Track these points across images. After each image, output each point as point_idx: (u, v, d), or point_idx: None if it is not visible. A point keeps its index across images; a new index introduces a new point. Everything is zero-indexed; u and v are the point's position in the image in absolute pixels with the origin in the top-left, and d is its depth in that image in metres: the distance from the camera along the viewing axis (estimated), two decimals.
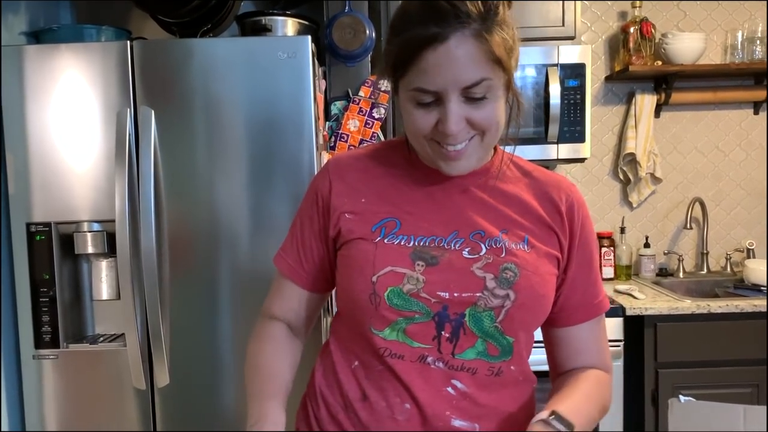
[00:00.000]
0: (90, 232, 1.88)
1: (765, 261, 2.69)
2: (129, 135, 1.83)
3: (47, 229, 1.86)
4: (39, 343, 1.88)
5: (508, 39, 0.91)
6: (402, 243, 0.97)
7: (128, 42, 1.85)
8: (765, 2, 2.83)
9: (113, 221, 1.81)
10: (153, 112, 1.83)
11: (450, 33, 0.86)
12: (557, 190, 1.05)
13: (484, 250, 0.97)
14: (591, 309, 1.06)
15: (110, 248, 1.89)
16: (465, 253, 0.97)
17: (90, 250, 1.89)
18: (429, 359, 0.97)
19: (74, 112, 1.86)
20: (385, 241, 0.97)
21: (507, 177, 1.05)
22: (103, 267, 1.94)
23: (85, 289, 1.99)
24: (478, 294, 0.95)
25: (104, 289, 1.95)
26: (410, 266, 0.95)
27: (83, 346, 1.90)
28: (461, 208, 1.01)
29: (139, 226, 1.83)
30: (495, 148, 1.06)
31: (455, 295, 0.95)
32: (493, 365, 0.99)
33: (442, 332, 0.96)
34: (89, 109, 1.86)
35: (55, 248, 1.87)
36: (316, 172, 1.69)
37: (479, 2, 0.88)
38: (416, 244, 0.97)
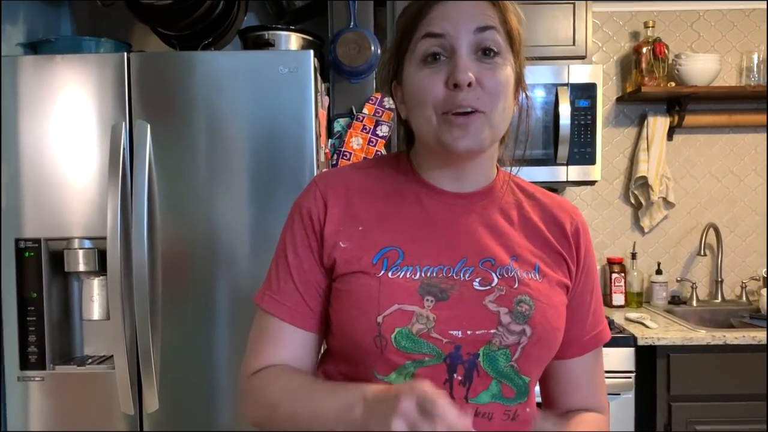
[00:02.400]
0: (81, 249, 1.83)
1: None
2: (124, 149, 1.77)
3: (37, 245, 1.81)
4: (25, 364, 1.81)
5: (520, 21, 0.90)
6: (408, 276, 0.87)
7: (125, 54, 1.80)
8: None
9: (105, 238, 1.75)
10: (149, 126, 1.78)
11: None
12: (562, 213, 0.99)
13: (495, 281, 0.89)
14: (587, 342, 0.99)
15: (102, 266, 1.83)
16: (476, 285, 0.88)
17: (81, 267, 1.84)
18: None
19: (69, 124, 1.81)
20: (389, 274, 0.87)
21: (511, 198, 0.98)
22: (95, 285, 1.88)
23: (74, 309, 1.93)
24: (492, 331, 0.86)
25: (95, 309, 1.88)
26: (419, 303, 0.85)
27: (70, 368, 1.84)
28: (468, 231, 0.92)
29: (131, 244, 1.76)
30: (497, 168, 0.99)
31: (468, 333, 0.86)
32: (509, 408, 0.90)
33: (455, 375, 0.86)
34: (84, 122, 1.81)
35: (44, 265, 1.81)
36: None
37: None
38: (423, 275, 0.87)
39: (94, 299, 1.88)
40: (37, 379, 1.82)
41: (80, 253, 1.83)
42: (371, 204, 0.93)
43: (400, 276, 0.87)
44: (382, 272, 0.87)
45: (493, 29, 0.87)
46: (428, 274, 0.88)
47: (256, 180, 1.82)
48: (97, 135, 1.81)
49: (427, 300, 0.86)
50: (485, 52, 0.87)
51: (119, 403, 1.78)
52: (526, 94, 0.95)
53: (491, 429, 0.88)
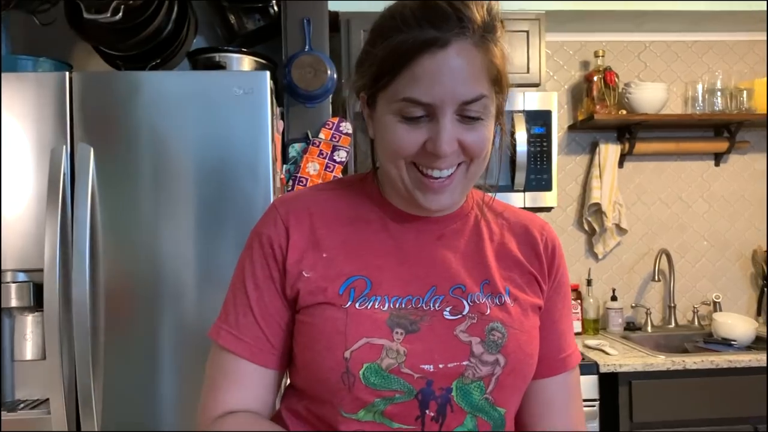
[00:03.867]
0: (14, 282, 1.70)
1: (733, 314, 2.64)
2: (64, 174, 1.66)
3: None
4: None
5: (506, 56, 0.83)
6: (376, 307, 0.82)
7: (67, 73, 1.69)
8: (720, 57, 2.86)
9: (41, 271, 1.63)
10: (92, 149, 1.67)
11: (451, 39, 0.77)
12: (533, 230, 0.94)
13: (466, 309, 0.84)
14: (558, 363, 0.94)
15: (37, 301, 1.69)
16: (446, 314, 0.83)
17: (13, 303, 1.70)
18: None
19: (3, 147, 1.67)
20: (357, 306, 0.82)
21: (481, 220, 0.93)
22: (28, 323, 1.74)
23: (5, 349, 1.77)
24: (465, 363, 0.81)
25: (28, 348, 1.73)
26: (388, 335, 0.80)
27: None
28: (437, 258, 0.87)
29: (70, 277, 1.63)
30: None
31: (440, 366, 0.81)
32: None
33: (427, 411, 0.81)
34: (20, 145, 1.68)
35: None
36: None
37: (483, 9, 0.79)
38: (392, 306, 0.82)
39: (28, 337, 1.74)
40: None
41: (13, 287, 1.69)
42: (336, 229, 0.87)
43: (368, 307, 0.82)
44: (349, 303, 0.82)
45: (482, 98, 0.79)
46: (397, 305, 0.83)
47: (207, 208, 1.72)
48: (34, 159, 1.68)
49: (397, 332, 0.81)
50: (470, 113, 0.80)
51: None
52: (501, 127, 0.88)
53: None
